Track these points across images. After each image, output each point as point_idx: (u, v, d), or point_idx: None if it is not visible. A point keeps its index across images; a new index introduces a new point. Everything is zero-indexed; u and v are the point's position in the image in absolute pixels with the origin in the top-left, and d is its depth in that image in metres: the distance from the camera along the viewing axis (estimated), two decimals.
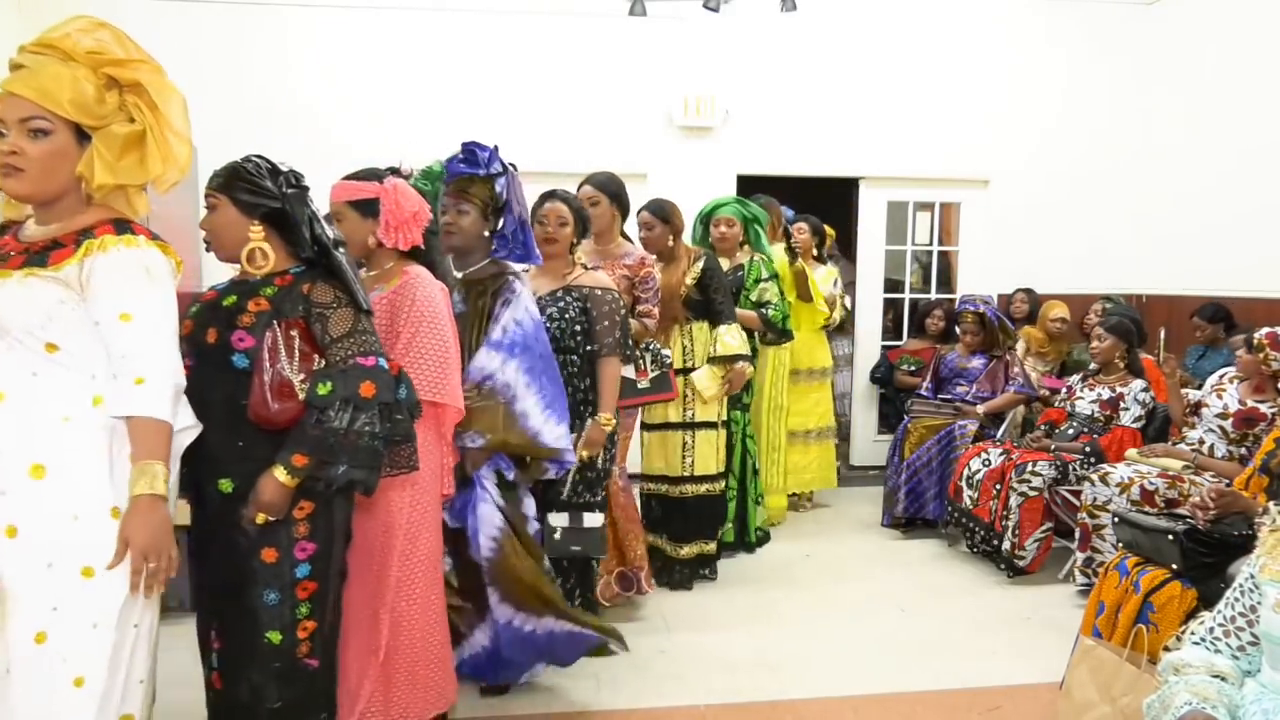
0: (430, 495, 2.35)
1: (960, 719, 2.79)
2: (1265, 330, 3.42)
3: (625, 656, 3.13)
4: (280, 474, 1.84)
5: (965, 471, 4.29)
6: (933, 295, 6.08)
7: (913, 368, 5.53)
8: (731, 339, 3.80)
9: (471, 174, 2.61)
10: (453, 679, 2.48)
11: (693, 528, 3.87)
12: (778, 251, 4.65)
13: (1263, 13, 4.96)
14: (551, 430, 2.58)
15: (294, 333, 1.92)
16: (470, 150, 2.63)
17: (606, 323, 3.02)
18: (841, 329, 5.97)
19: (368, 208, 2.33)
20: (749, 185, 5.39)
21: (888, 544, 4.62)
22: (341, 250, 2.07)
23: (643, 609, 3.62)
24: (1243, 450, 3.47)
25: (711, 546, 3.96)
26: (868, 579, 4.06)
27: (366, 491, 1.97)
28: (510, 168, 2.72)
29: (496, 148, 2.67)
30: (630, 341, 3.15)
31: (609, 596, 3.51)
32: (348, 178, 2.37)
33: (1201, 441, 3.62)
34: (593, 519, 2.96)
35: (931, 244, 6.12)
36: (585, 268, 3.12)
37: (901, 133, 5.77)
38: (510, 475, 2.64)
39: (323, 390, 1.86)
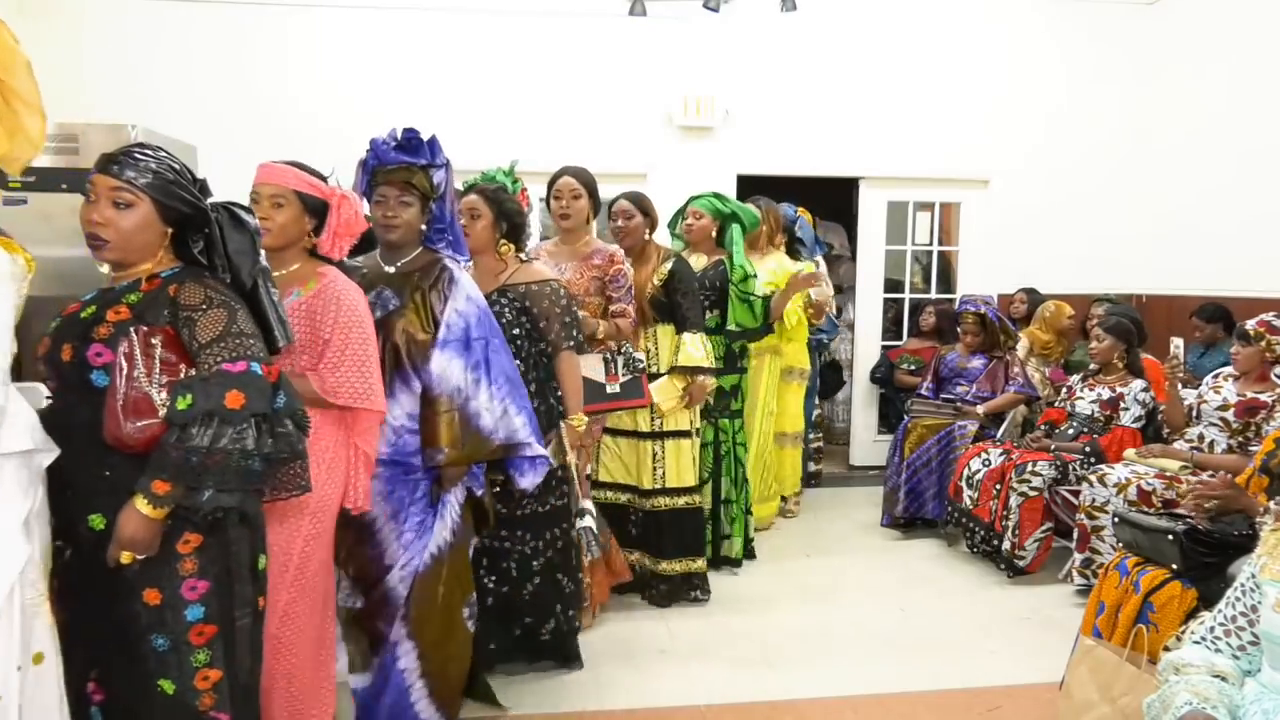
0: (330, 517, 2.18)
1: (960, 719, 2.79)
2: (1254, 320, 3.43)
3: (625, 656, 3.13)
4: (141, 504, 1.58)
5: (965, 471, 4.28)
6: (933, 295, 6.08)
7: (913, 368, 5.53)
8: (694, 349, 3.55)
9: (411, 163, 2.43)
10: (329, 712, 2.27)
11: (673, 544, 3.62)
12: (779, 259, 4.62)
13: (1264, 12, 4.95)
14: (508, 424, 2.41)
15: (155, 340, 1.67)
16: (412, 138, 2.44)
17: (551, 316, 2.86)
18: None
19: (311, 203, 2.22)
20: (749, 185, 5.40)
21: (888, 544, 4.61)
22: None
23: (643, 609, 3.62)
24: (1243, 439, 3.47)
25: (700, 564, 3.70)
26: (868, 579, 4.06)
27: (242, 519, 1.74)
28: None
29: (434, 136, 2.51)
30: (580, 332, 2.95)
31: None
32: (290, 164, 2.25)
33: (1201, 438, 3.62)
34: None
35: (931, 244, 6.12)
36: (521, 261, 2.94)
37: (901, 133, 5.77)
38: (479, 492, 2.51)
39: (182, 404, 1.59)
